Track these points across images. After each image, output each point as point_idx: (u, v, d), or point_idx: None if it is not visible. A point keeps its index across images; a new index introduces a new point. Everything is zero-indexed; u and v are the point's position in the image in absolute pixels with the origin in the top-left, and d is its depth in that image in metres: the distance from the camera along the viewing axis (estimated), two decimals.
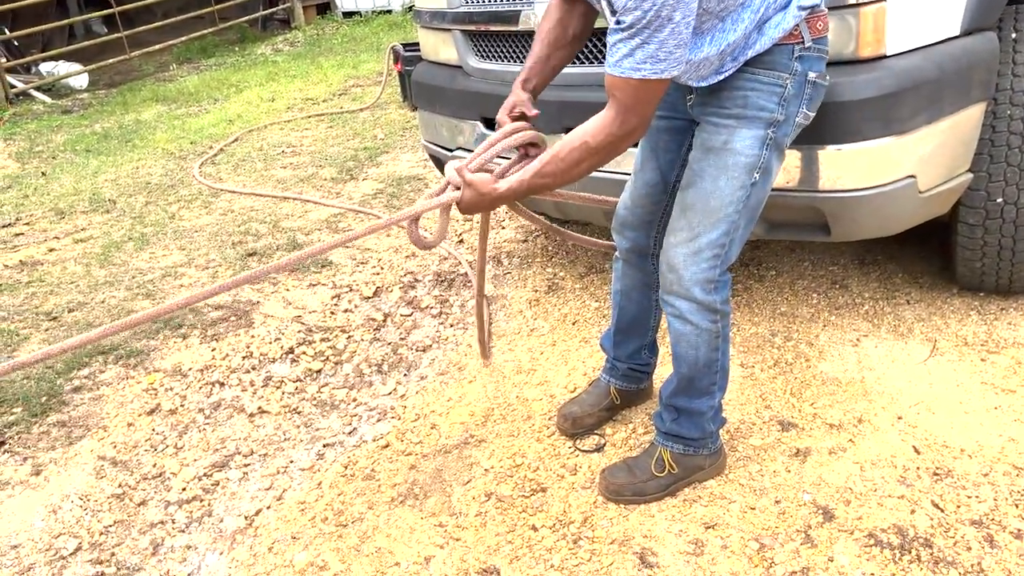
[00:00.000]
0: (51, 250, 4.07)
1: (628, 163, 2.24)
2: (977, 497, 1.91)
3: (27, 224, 4.50)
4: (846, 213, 2.15)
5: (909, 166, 2.12)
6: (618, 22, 1.55)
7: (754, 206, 1.79)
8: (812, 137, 2.06)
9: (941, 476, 1.99)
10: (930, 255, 2.95)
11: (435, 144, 3.07)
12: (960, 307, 2.66)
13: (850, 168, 2.07)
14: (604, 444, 2.22)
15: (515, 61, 2.64)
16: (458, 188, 1.85)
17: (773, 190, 2.16)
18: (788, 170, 2.11)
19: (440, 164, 3.15)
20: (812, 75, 1.73)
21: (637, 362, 2.26)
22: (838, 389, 2.35)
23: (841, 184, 2.09)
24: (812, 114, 1.79)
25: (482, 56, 2.77)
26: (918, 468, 2.02)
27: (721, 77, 1.71)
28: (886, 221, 2.23)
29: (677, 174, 1.96)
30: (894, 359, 2.45)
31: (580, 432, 2.25)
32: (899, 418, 2.20)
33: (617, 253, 2.15)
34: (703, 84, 1.73)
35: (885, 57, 2.04)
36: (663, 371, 2.09)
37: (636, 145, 1.97)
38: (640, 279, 2.13)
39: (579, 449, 2.21)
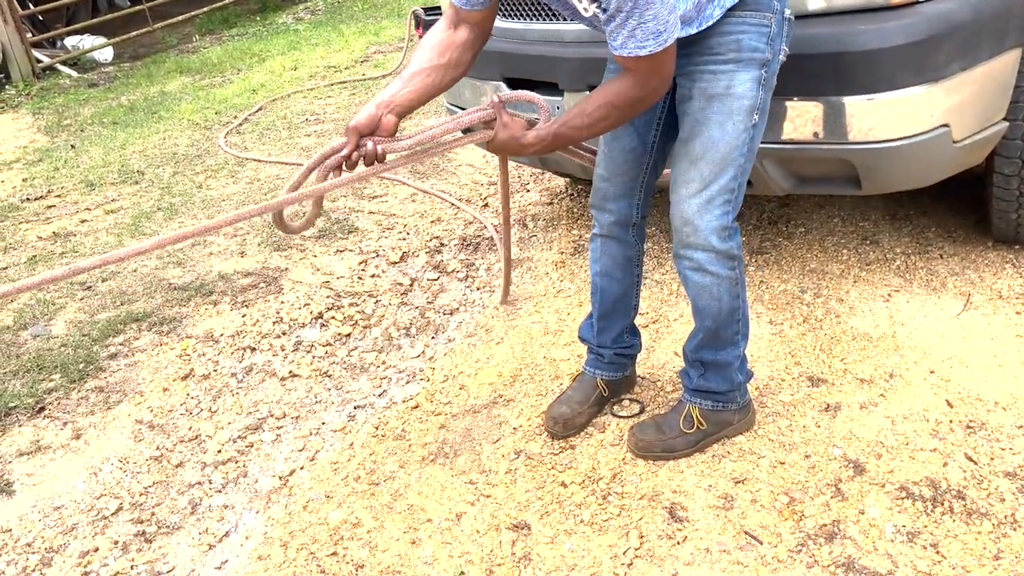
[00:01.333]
0: (83, 221, 4.13)
1: None
2: (1011, 449, 1.89)
3: (59, 196, 4.56)
4: (878, 165, 2.11)
5: (943, 115, 2.07)
6: (604, 10, 1.56)
7: (754, 148, 1.82)
8: (842, 87, 2.02)
9: (974, 429, 1.97)
10: (964, 208, 2.89)
11: (457, 106, 3.05)
12: (995, 260, 2.61)
13: (882, 118, 2.02)
14: (643, 409, 2.21)
15: (536, 19, 2.60)
16: (490, 122, 1.82)
17: (802, 143, 2.14)
18: (817, 122, 2.07)
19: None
20: (787, 12, 1.77)
21: (621, 346, 2.19)
22: (869, 344, 2.33)
23: (872, 135, 2.05)
24: (788, 51, 1.80)
25: (502, 14, 2.73)
26: (951, 421, 2.00)
27: (707, 25, 1.71)
28: (919, 173, 2.18)
29: (654, 135, 1.95)
30: (927, 314, 2.42)
31: (572, 434, 2.13)
32: (931, 372, 2.18)
33: (596, 231, 2.10)
34: (684, 33, 1.70)
35: (918, 2, 1.98)
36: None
37: None
38: (622, 253, 2.09)
39: (616, 416, 2.20)
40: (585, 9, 1.63)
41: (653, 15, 1.53)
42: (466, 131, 2.05)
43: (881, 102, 2.01)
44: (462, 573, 1.79)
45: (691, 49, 1.76)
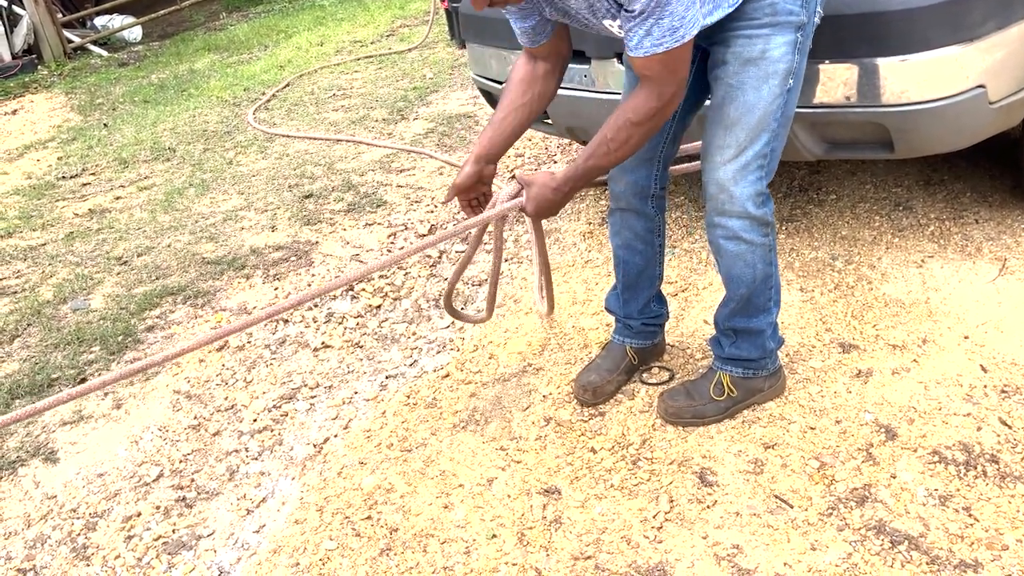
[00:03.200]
0: (117, 198, 4.20)
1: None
2: None
3: (93, 174, 4.64)
4: (911, 127, 2.08)
5: (978, 76, 2.03)
6: (628, 11, 1.56)
7: (789, 114, 1.80)
8: (875, 48, 1.99)
9: (1009, 393, 1.95)
10: (1000, 172, 2.84)
11: (484, 77, 3.04)
12: None
13: (916, 80, 1.99)
14: (672, 376, 2.22)
15: None
16: (518, 195, 1.90)
17: (833, 107, 2.12)
18: (849, 84, 2.04)
19: (491, 97, 3.13)
20: None
21: (648, 316, 2.19)
22: (901, 310, 2.31)
23: (906, 97, 2.02)
24: (823, 12, 1.78)
25: None
26: (985, 386, 1.98)
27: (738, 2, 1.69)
28: (954, 135, 2.15)
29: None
30: (961, 279, 2.39)
31: (601, 401, 2.15)
32: (965, 337, 2.15)
33: (613, 205, 2.09)
34: (727, 10, 1.69)
35: None
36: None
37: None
38: (642, 225, 2.07)
39: (646, 383, 2.21)
40: (612, 17, 1.61)
41: (671, 12, 1.53)
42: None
43: (915, 63, 1.97)
44: (494, 536, 1.82)
45: (725, 15, 1.73)
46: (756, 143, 1.76)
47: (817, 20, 1.76)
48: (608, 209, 2.12)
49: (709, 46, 1.81)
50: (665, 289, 2.25)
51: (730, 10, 1.69)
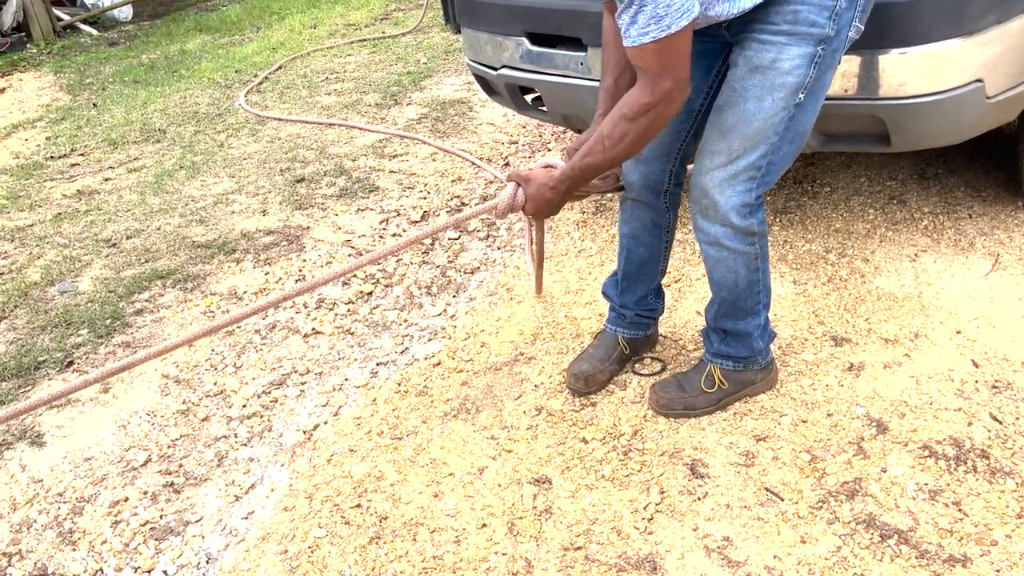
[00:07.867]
0: (106, 179, 4.15)
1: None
2: None
3: (82, 155, 4.59)
4: (908, 121, 2.07)
5: (976, 70, 2.03)
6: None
7: (798, 129, 1.72)
8: (873, 41, 1.98)
9: (1000, 389, 1.95)
10: (994, 167, 2.84)
11: (479, 63, 3.02)
12: None
13: (914, 73, 1.98)
14: (664, 367, 2.21)
15: None
16: (516, 192, 1.87)
17: (830, 99, 2.10)
18: (847, 77, 2.03)
19: (485, 83, 3.10)
20: None
21: (644, 308, 2.17)
22: (894, 304, 2.31)
23: (904, 90, 2.01)
24: (863, 27, 1.69)
25: None
26: (976, 381, 1.99)
27: None
28: (950, 129, 2.14)
29: (702, 101, 1.88)
30: (954, 274, 2.39)
31: (593, 391, 2.14)
32: (957, 332, 2.16)
33: (625, 193, 2.06)
34: (746, 9, 1.63)
35: None
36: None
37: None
38: (651, 219, 2.04)
39: (638, 373, 2.20)
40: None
41: (654, 0, 1.47)
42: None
43: (914, 56, 1.96)
44: (484, 525, 1.81)
45: (749, 16, 1.67)
46: (750, 154, 1.70)
47: (854, 34, 1.67)
48: (621, 196, 2.09)
49: (732, 44, 1.75)
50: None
51: (751, 5, 1.61)
